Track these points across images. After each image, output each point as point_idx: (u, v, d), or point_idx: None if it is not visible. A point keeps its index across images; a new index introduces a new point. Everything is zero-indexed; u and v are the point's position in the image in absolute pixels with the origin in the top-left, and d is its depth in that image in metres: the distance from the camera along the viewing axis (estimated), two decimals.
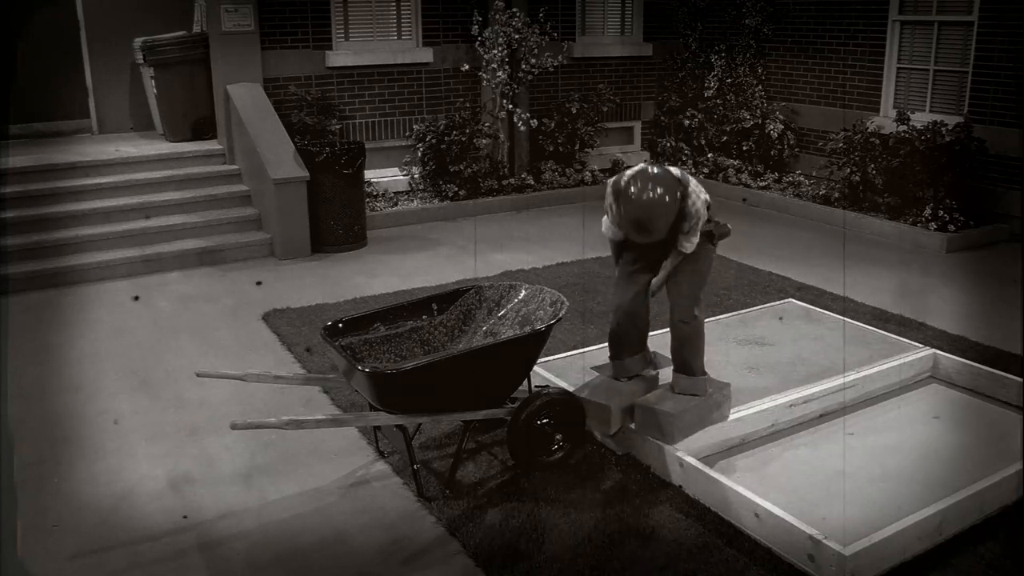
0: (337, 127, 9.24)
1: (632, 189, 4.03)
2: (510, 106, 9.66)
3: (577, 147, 10.45)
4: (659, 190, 4.00)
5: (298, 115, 9.01)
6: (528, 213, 9.56)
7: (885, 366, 5.11)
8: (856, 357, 5.21)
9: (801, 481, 4.20)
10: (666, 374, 4.62)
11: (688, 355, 4.44)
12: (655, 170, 4.12)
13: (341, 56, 9.51)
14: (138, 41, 9.09)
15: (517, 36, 9.39)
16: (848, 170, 8.95)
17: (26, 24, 9.32)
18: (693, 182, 4.20)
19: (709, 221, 4.32)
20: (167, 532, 3.96)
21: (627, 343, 4.58)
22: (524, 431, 4.27)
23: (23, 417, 4.99)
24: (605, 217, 4.46)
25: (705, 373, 4.51)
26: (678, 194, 4.06)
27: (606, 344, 4.70)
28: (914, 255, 7.99)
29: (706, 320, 4.57)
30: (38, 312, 6.69)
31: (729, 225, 4.47)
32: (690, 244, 4.25)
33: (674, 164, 8.64)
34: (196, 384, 5.17)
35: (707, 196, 4.24)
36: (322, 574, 3.72)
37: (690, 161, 10.75)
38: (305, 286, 7.24)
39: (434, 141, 9.31)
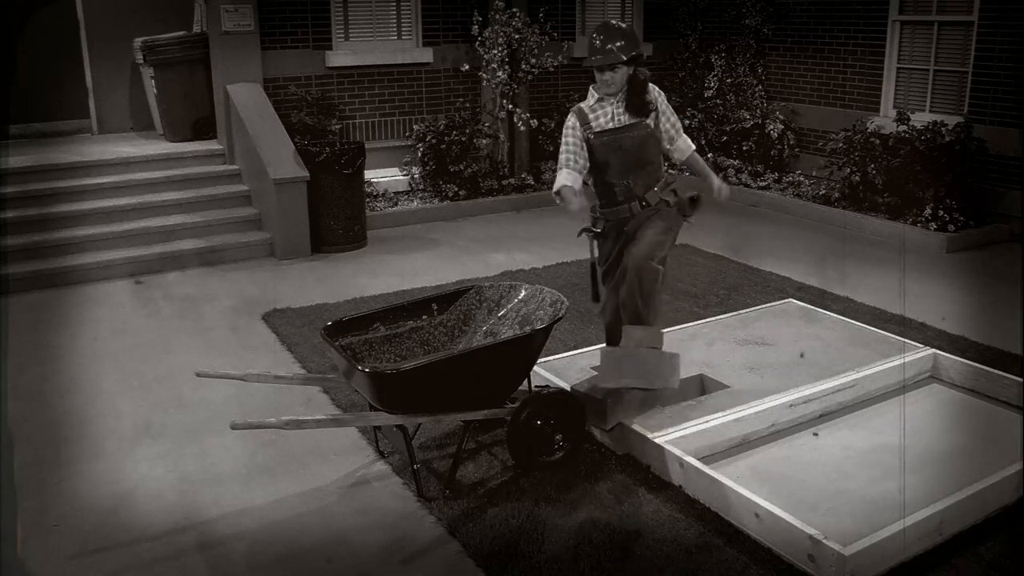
0: (337, 127, 9.24)
1: None
2: (510, 106, 9.66)
3: None
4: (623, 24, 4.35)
5: (298, 115, 9.01)
6: (528, 213, 9.55)
7: (885, 366, 5.10)
8: (856, 357, 5.21)
9: (801, 481, 4.20)
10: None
11: (640, 303, 4.26)
12: None
13: (341, 56, 9.52)
14: (138, 41, 9.09)
15: (517, 36, 9.39)
16: (848, 170, 8.94)
17: (26, 24, 9.32)
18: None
19: (675, 193, 4.35)
20: (167, 532, 3.96)
21: (617, 340, 4.58)
22: (524, 431, 4.28)
23: (23, 417, 5.00)
24: (561, 172, 4.55)
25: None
26: (639, 46, 4.34)
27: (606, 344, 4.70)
28: (914, 255, 7.99)
29: (706, 320, 4.56)
30: (38, 312, 6.68)
31: (690, 193, 4.32)
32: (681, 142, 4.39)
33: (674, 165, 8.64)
34: (196, 384, 5.17)
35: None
36: (322, 574, 3.72)
37: None
38: (305, 286, 7.24)
39: (434, 141, 9.31)
